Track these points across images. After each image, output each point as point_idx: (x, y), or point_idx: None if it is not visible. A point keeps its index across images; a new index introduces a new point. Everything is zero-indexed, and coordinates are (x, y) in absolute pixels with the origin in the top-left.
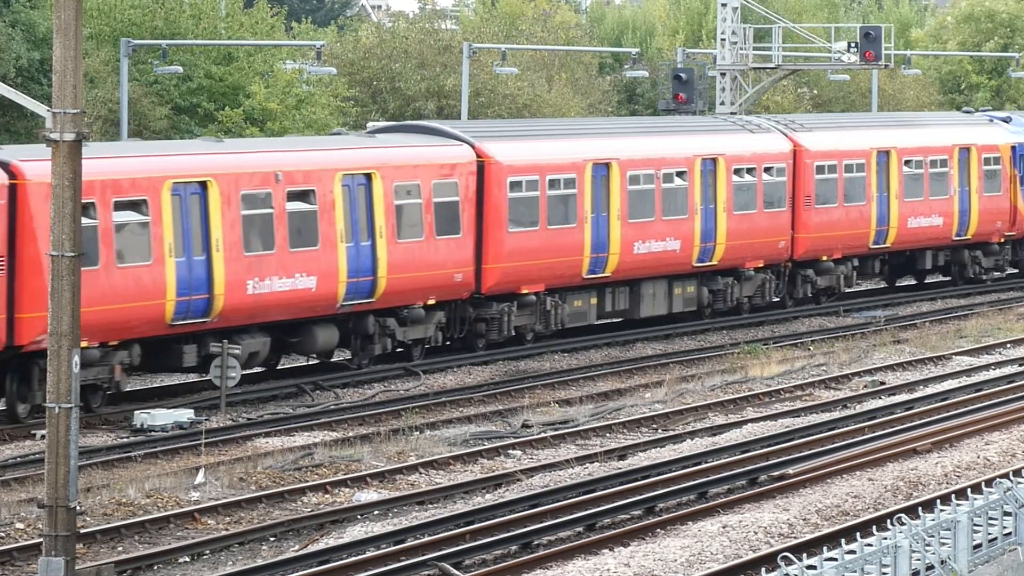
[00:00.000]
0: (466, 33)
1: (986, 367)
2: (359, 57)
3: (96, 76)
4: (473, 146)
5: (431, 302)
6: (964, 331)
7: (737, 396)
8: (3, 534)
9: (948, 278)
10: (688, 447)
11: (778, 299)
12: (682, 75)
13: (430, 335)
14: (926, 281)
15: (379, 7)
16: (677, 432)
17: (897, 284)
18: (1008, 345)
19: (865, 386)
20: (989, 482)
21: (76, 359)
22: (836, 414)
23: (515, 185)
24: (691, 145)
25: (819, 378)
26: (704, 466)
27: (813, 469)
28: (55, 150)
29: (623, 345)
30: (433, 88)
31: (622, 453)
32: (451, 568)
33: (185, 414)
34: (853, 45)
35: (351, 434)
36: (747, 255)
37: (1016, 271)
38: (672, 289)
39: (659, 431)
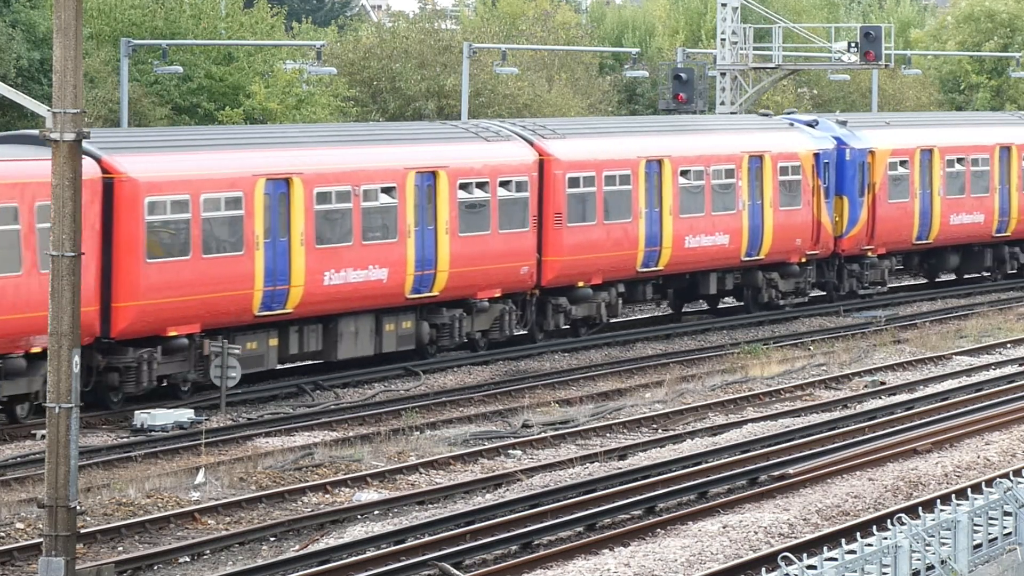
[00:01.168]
0: (466, 33)
1: (986, 367)
2: (359, 57)
3: (96, 76)
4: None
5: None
6: (964, 331)
7: (737, 396)
8: (3, 534)
9: (742, 303)
10: (688, 447)
11: (525, 331)
12: (682, 75)
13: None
14: (719, 307)
15: (379, 7)
16: (677, 432)
17: (684, 310)
18: (1008, 345)
19: (865, 386)
20: (989, 482)
21: (76, 359)
22: (836, 414)
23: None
24: (403, 156)
25: (819, 378)
26: (704, 466)
27: (813, 469)
28: (55, 150)
29: (623, 345)
30: (433, 88)
31: (622, 453)
32: (451, 568)
33: (185, 414)
34: (853, 45)
35: (351, 434)
36: (479, 283)
37: (823, 293)
38: (381, 325)
39: (659, 431)
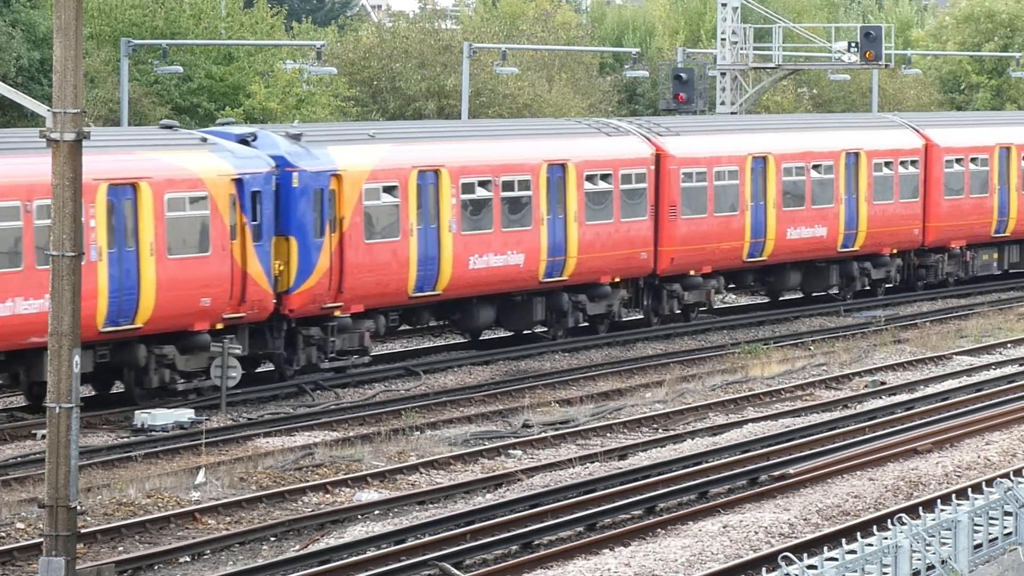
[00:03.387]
0: (466, 33)
1: (986, 367)
2: (359, 57)
3: (96, 76)
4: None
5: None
6: (964, 331)
7: (737, 396)
8: (4, 534)
9: None
10: (688, 447)
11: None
12: (682, 75)
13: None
14: None
15: (379, 7)
16: (677, 432)
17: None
18: (1008, 345)
19: (866, 386)
20: (989, 482)
21: (76, 359)
22: (836, 414)
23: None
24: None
25: (820, 378)
26: (705, 466)
27: (814, 469)
28: (55, 150)
29: (623, 345)
30: (433, 88)
31: (623, 453)
32: (451, 568)
33: (185, 414)
34: (853, 45)
35: (351, 434)
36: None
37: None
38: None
39: (659, 431)
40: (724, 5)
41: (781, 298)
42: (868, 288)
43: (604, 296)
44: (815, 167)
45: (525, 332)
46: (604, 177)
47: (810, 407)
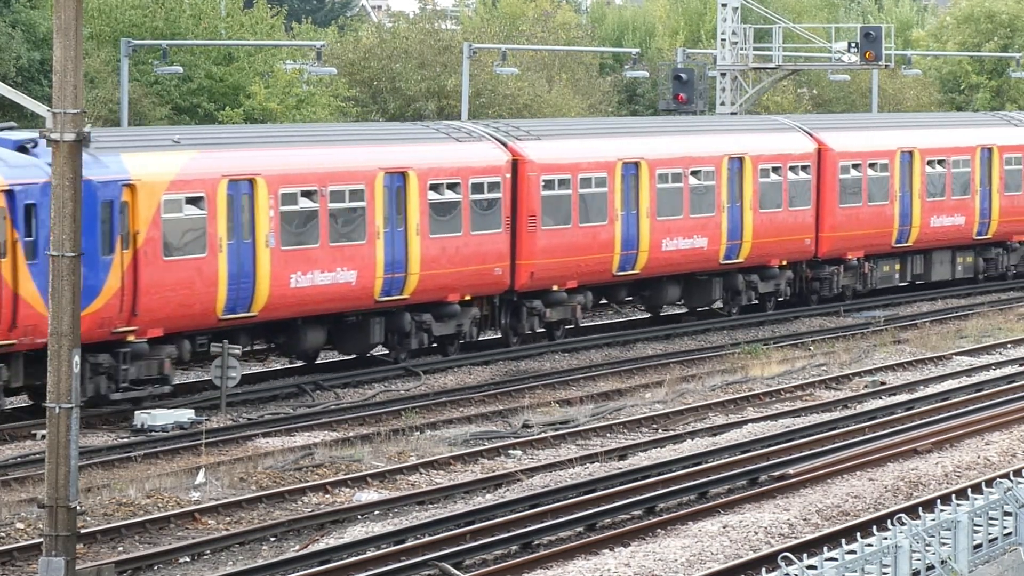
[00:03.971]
0: (466, 33)
1: (986, 367)
2: (359, 57)
3: (96, 76)
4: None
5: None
6: (964, 331)
7: (737, 396)
8: (3, 534)
9: None
10: (688, 447)
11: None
12: (682, 75)
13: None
14: None
15: (379, 7)
16: (677, 432)
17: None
18: (1008, 345)
19: (865, 386)
20: (989, 482)
21: (76, 359)
22: (836, 414)
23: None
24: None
25: (819, 378)
26: (704, 466)
27: (813, 469)
28: (55, 150)
29: (623, 345)
30: (433, 88)
31: (622, 453)
32: (451, 568)
33: (185, 414)
34: (853, 45)
35: (351, 434)
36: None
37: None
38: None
39: (659, 431)
40: (724, 5)
41: (662, 313)
42: (756, 302)
43: (452, 315)
44: (694, 173)
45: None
46: (452, 186)
47: (810, 407)
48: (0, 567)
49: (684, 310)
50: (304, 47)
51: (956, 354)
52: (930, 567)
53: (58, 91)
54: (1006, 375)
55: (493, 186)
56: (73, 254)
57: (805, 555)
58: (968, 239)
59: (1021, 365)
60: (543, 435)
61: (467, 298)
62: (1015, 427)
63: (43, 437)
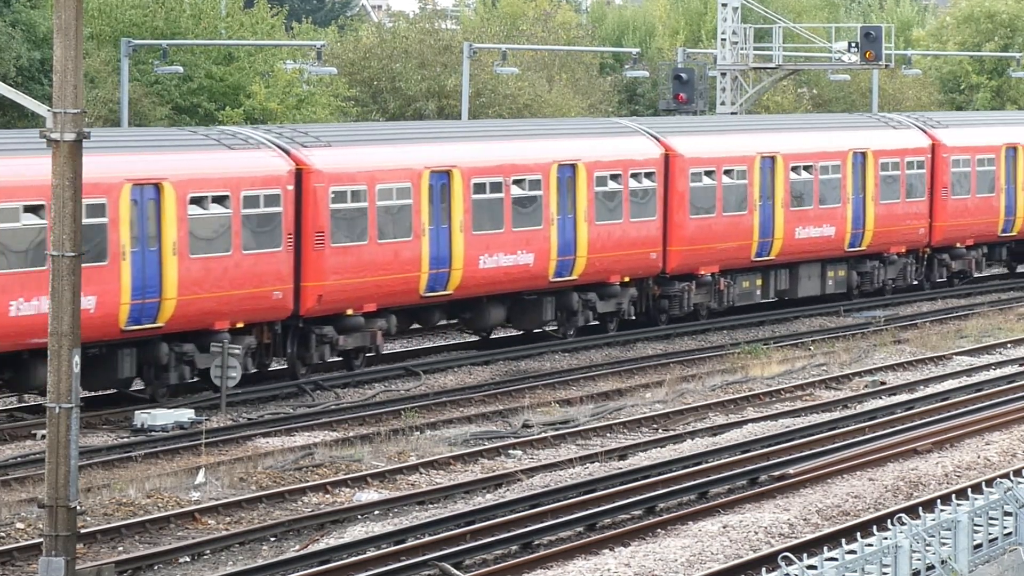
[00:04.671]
0: (467, 33)
1: (986, 367)
2: (359, 57)
3: (96, 76)
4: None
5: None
6: (964, 331)
7: (737, 396)
8: (3, 534)
9: None
10: (688, 447)
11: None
12: (682, 75)
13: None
14: None
15: (379, 7)
16: (677, 432)
17: None
18: (1008, 345)
19: (866, 386)
20: (989, 482)
21: (76, 359)
22: (836, 414)
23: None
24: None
25: (820, 378)
26: (704, 466)
27: (813, 469)
28: (55, 150)
29: (623, 345)
30: (434, 88)
31: (622, 453)
32: (451, 568)
33: (185, 414)
34: (853, 45)
35: (351, 434)
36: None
37: None
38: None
39: (659, 431)
40: (724, 5)
41: (492, 336)
42: (596, 323)
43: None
44: (517, 182)
45: None
46: (614, 177)
47: (810, 407)
48: (0, 567)
49: (515, 333)
50: (304, 47)
51: (956, 354)
52: (930, 567)
53: (58, 91)
54: (1006, 375)
55: (272, 199)
56: (73, 254)
57: (805, 555)
58: (840, 251)
59: (1021, 365)
60: (543, 435)
61: (241, 325)
62: (1015, 427)
63: (43, 437)
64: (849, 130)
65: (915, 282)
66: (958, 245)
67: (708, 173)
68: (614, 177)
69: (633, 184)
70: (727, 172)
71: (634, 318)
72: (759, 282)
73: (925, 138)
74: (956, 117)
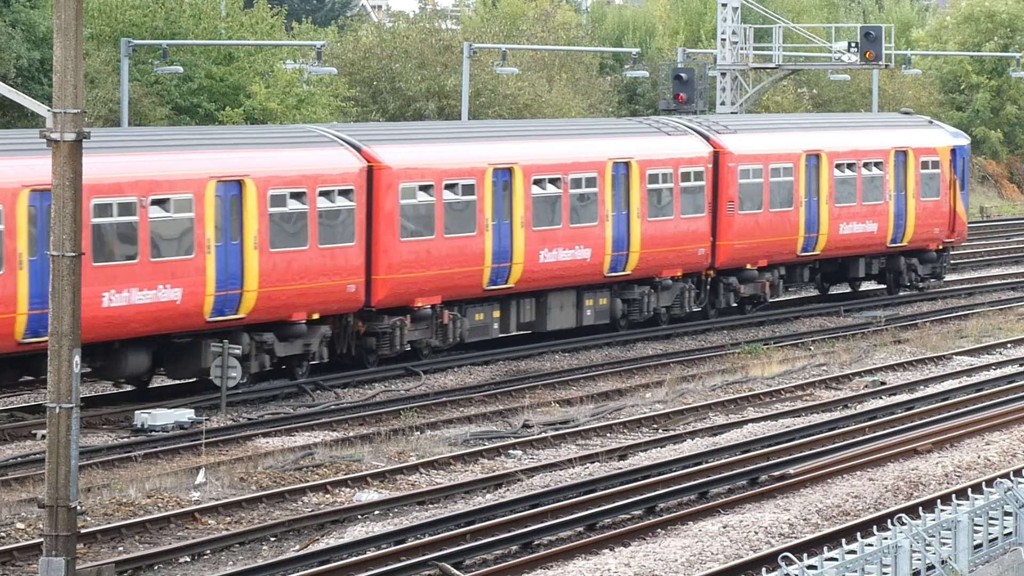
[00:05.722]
0: (467, 33)
1: (986, 367)
2: (359, 57)
3: (96, 76)
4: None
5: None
6: (965, 331)
7: (738, 396)
8: (4, 534)
9: None
10: (689, 447)
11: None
12: (682, 75)
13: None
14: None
15: (379, 7)
16: (678, 432)
17: None
18: (1008, 345)
19: (866, 386)
20: (990, 482)
21: (76, 359)
22: (837, 414)
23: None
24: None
25: (820, 378)
26: (705, 466)
27: (814, 469)
28: (55, 150)
29: (623, 345)
30: (433, 88)
31: (623, 453)
32: (451, 568)
33: (185, 414)
34: (853, 45)
35: (351, 434)
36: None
37: None
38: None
39: (660, 431)
40: (724, 5)
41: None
42: (283, 367)
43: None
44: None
45: None
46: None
47: (810, 407)
48: (0, 567)
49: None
50: (304, 47)
51: (956, 354)
52: (930, 567)
53: (58, 91)
54: (1006, 375)
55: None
56: (73, 254)
57: (805, 555)
58: (599, 276)
59: (1021, 365)
60: (543, 435)
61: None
62: (1015, 427)
63: (43, 437)
64: (611, 137)
65: (696, 309)
66: (749, 267)
67: (425, 188)
68: (297, 196)
69: (325, 205)
70: (450, 187)
71: (329, 359)
72: (496, 314)
73: (706, 145)
74: (747, 121)
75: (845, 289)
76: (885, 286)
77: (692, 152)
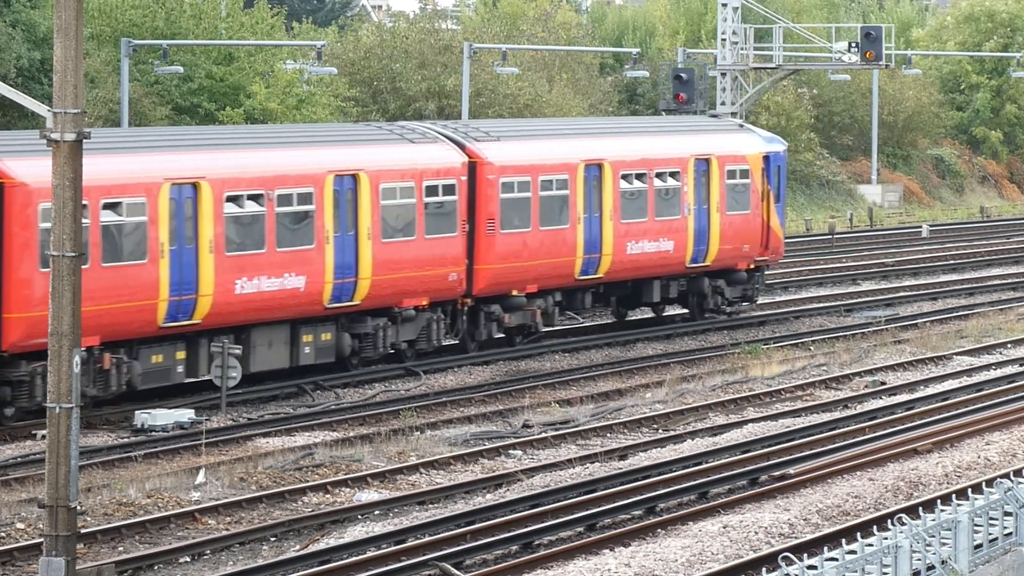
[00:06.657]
0: (467, 33)
1: (987, 367)
2: (360, 57)
3: (97, 76)
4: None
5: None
6: (965, 331)
7: (738, 396)
8: (4, 534)
9: None
10: (689, 447)
11: None
12: (682, 75)
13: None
14: None
15: (380, 7)
16: (678, 432)
17: None
18: (1009, 345)
19: (866, 386)
20: (990, 482)
21: (76, 359)
22: (837, 414)
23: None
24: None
25: (820, 378)
26: (705, 466)
27: (814, 469)
28: (55, 150)
29: (623, 345)
30: (434, 88)
31: (623, 453)
32: (451, 568)
33: (186, 414)
34: (854, 45)
35: (352, 434)
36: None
37: None
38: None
39: (660, 431)
40: (724, 5)
41: None
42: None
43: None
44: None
45: None
46: (405, 189)
47: (810, 407)
48: (0, 567)
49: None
50: (304, 47)
51: (956, 354)
52: (930, 567)
53: (58, 91)
54: (1006, 375)
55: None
56: (73, 254)
57: (805, 555)
58: (318, 308)
59: (1021, 365)
60: (543, 435)
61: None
62: (1015, 427)
63: (43, 437)
64: (334, 147)
65: (452, 342)
66: (515, 293)
67: (114, 207)
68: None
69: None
70: (112, 206)
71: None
72: (181, 355)
73: (459, 154)
74: (514, 126)
75: (648, 314)
76: (688, 311)
77: (440, 162)
